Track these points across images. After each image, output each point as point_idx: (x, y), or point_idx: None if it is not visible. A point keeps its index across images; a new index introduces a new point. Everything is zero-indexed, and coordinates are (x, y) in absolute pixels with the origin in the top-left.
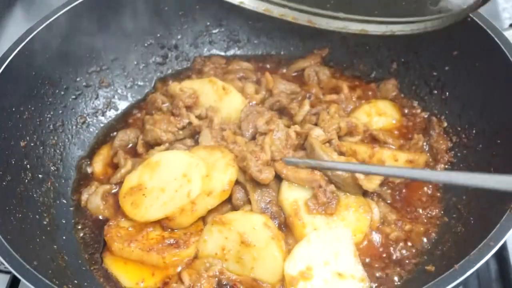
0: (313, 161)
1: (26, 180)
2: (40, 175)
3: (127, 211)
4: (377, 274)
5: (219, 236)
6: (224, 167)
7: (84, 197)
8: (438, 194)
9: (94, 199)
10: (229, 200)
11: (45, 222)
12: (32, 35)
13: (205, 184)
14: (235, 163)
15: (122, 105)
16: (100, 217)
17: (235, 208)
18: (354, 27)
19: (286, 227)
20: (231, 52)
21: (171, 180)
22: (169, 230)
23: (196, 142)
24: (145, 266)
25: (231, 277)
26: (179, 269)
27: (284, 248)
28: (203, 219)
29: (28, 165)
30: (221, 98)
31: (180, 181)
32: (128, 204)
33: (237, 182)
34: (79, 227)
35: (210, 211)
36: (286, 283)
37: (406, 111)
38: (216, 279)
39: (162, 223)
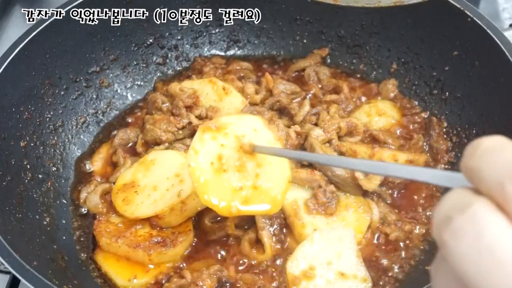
0: (291, 152)
1: (26, 180)
2: (40, 175)
3: (118, 206)
4: (377, 274)
5: (213, 143)
6: None
7: (83, 195)
8: (438, 194)
9: (93, 197)
10: None
11: (45, 222)
12: (32, 35)
13: None
14: None
15: (122, 105)
16: (99, 216)
17: None
18: (388, 1)
19: (286, 228)
20: (231, 52)
21: (164, 179)
22: (158, 228)
23: None
24: (138, 263)
25: (231, 276)
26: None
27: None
28: (193, 219)
29: (28, 165)
30: (221, 98)
31: (172, 181)
32: (120, 200)
33: None
34: (78, 226)
35: (200, 212)
36: (289, 283)
37: (406, 111)
38: (216, 276)
39: (151, 221)
